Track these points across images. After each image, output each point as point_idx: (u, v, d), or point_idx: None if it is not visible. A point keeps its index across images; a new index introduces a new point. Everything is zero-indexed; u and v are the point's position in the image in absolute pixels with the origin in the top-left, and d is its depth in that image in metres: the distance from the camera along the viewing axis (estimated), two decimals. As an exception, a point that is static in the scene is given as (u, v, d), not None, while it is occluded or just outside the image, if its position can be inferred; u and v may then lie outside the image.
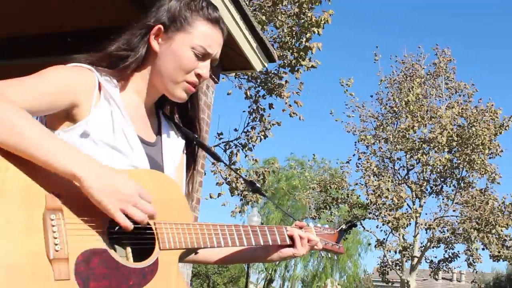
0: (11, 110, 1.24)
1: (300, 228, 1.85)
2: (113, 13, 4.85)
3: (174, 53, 1.61)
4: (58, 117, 1.49)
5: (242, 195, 13.07)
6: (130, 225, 1.31)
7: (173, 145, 1.76)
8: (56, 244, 1.22)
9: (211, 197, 12.64)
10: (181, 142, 1.80)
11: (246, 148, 12.54)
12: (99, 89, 1.53)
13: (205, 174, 6.43)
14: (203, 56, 1.63)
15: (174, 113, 1.84)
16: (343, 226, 2.05)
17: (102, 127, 1.50)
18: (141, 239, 1.40)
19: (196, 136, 1.81)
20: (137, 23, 1.65)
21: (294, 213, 36.03)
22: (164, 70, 1.62)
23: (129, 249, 1.38)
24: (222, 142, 12.55)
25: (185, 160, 1.84)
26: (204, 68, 1.65)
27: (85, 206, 1.29)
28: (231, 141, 12.56)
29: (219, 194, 12.58)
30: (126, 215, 1.31)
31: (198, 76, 1.64)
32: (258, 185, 1.95)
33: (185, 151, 1.83)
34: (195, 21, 1.63)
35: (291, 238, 1.81)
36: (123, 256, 1.37)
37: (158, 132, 1.74)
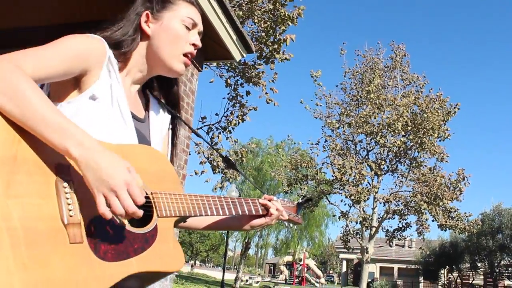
0: (22, 84, 1.17)
1: (269, 200, 1.84)
2: (105, 6, 4.66)
3: (166, 29, 1.59)
4: (66, 85, 1.41)
5: (223, 172, 13.09)
6: (106, 213, 1.19)
7: (160, 120, 1.72)
8: (70, 210, 1.18)
9: (195, 173, 12.66)
10: (167, 117, 1.77)
11: (227, 131, 12.53)
12: (107, 59, 1.47)
13: (189, 154, 6.30)
14: (192, 26, 1.63)
15: (159, 94, 1.80)
16: (300, 200, 2.07)
17: (104, 96, 1.44)
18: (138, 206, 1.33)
19: (178, 115, 1.78)
20: (124, 14, 1.61)
21: (273, 189, 36.31)
22: (161, 47, 1.59)
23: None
24: (205, 125, 12.52)
25: (170, 135, 1.81)
26: (196, 37, 1.64)
27: None
28: (213, 124, 12.53)
29: (202, 172, 12.59)
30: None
31: (193, 45, 1.62)
32: (232, 161, 1.92)
33: (170, 126, 1.80)
34: (176, 1, 1.63)
35: (265, 207, 1.81)
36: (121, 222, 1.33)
37: (146, 109, 1.69)
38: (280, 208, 1.84)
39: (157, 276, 1.41)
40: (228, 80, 12.54)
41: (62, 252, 1.14)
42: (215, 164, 12.40)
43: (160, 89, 1.78)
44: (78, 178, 1.21)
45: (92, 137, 1.23)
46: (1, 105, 1.14)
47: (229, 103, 12.71)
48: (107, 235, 1.25)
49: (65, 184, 1.19)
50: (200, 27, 1.67)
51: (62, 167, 1.21)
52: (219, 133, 12.49)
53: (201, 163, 12.59)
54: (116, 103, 1.46)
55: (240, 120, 12.42)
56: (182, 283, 27.23)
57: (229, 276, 44.62)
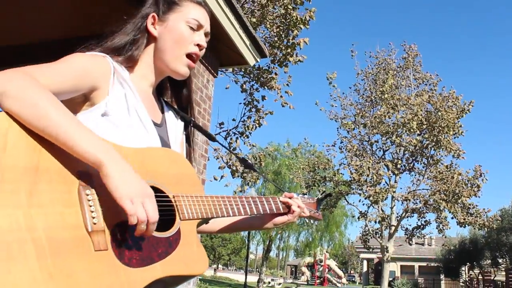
0: (42, 94, 1.16)
1: (290, 198, 1.83)
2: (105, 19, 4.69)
3: (171, 30, 1.58)
4: (76, 102, 1.41)
5: (242, 176, 13.05)
6: (133, 218, 1.18)
7: (175, 125, 1.71)
8: (93, 218, 1.16)
9: (215, 179, 12.64)
10: (180, 124, 1.75)
11: (244, 136, 12.49)
12: (114, 73, 1.46)
13: (208, 159, 6.29)
14: (197, 27, 1.61)
15: (172, 100, 1.79)
16: (320, 196, 2.05)
17: (119, 109, 1.43)
18: (161, 209, 1.31)
19: (192, 119, 1.77)
20: (131, 18, 1.61)
21: (292, 191, 36.17)
22: (165, 48, 1.58)
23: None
24: (223, 131, 12.50)
25: (184, 141, 1.79)
26: (201, 38, 1.61)
27: None
28: (230, 130, 12.51)
29: (222, 176, 12.55)
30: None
31: (198, 46, 1.60)
32: (249, 161, 1.94)
33: (184, 133, 1.78)
34: (182, 2, 1.61)
35: (286, 205, 1.79)
36: None
37: (163, 113, 1.68)
38: (301, 205, 1.82)
39: (182, 279, 1.39)
40: (244, 85, 12.51)
41: (87, 260, 1.12)
42: (234, 168, 12.39)
43: (171, 93, 1.77)
44: (100, 185, 1.20)
45: (112, 146, 1.23)
46: (22, 116, 1.12)
47: (245, 108, 12.67)
48: (131, 241, 1.24)
49: (88, 192, 1.18)
50: (207, 27, 1.65)
51: (83, 175, 1.20)
52: (237, 138, 12.45)
53: (220, 168, 12.56)
54: (133, 112, 1.46)
55: (257, 125, 12.38)
56: (206, 287, 27.24)
57: (252, 279, 44.56)
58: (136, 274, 1.21)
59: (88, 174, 1.20)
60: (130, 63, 1.55)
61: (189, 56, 1.58)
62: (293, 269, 78.98)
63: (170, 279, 1.32)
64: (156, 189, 1.34)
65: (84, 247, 1.13)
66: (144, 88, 1.60)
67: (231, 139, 12.43)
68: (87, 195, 1.17)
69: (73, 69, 1.34)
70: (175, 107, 1.76)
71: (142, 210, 1.18)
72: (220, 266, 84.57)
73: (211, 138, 2.00)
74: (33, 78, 1.19)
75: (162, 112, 1.68)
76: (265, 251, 40.80)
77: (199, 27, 1.61)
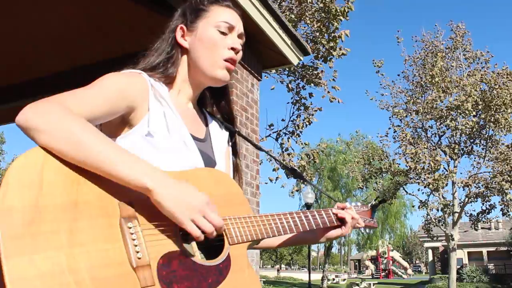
0: (75, 124, 1.11)
1: (342, 209, 1.72)
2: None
3: (201, 38, 1.50)
4: (115, 124, 1.36)
5: (297, 176, 12.91)
6: (201, 236, 1.17)
7: (220, 137, 1.64)
8: (137, 252, 1.10)
9: (270, 180, 12.58)
10: (225, 134, 1.68)
11: (295, 135, 12.37)
12: (151, 90, 1.40)
13: (261, 163, 6.24)
14: (228, 30, 1.52)
15: (213, 110, 1.72)
16: (373, 202, 1.95)
17: (159, 128, 1.37)
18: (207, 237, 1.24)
19: (237, 130, 1.71)
20: (160, 35, 1.56)
21: (348, 186, 35.88)
22: (199, 57, 1.50)
23: (194, 244, 1.24)
24: (273, 132, 12.41)
25: (230, 151, 1.71)
26: (234, 41, 1.52)
27: (157, 211, 1.16)
28: (281, 130, 12.41)
29: (276, 178, 12.46)
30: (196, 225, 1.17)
31: (232, 49, 1.51)
32: (298, 171, 1.86)
33: (230, 143, 1.71)
34: (209, 7, 1.54)
35: (339, 218, 1.69)
36: (190, 251, 1.23)
37: (206, 127, 1.61)
38: (356, 216, 1.72)
39: None
40: (289, 84, 12.40)
41: (134, 299, 1.06)
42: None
43: (213, 104, 1.71)
44: (144, 215, 1.14)
45: (158, 168, 1.17)
46: (58, 150, 1.07)
47: (293, 107, 12.55)
48: (179, 273, 1.17)
49: (130, 224, 1.12)
50: (239, 28, 1.55)
51: (125, 205, 1.13)
52: (288, 138, 12.34)
53: (274, 170, 12.50)
54: (173, 130, 1.39)
55: (307, 123, 12.24)
56: (270, 288, 27.25)
57: (315, 277, 44.29)
58: (187, 308, 1.14)
59: (130, 203, 1.14)
60: (168, 80, 1.50)
61: (225, 60, 1.50)
62: (357, 263, 78.14)
63: None
64: None
65: (130, 284, 1.07)
66: (184, 103, 1.54)
67: (282, 139, 12.34)
68: (129, 228, 1.11)
69: (107, 91, 1.28)
70: (219, 117, 1.70)
71: (206, 224, 1.16)
72: (283, 266, 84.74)
73: (256, 147, 1.95)
74: (65, 107, 1.14)
75: (206, 124, 1.61)
76: (326, 247, 40.52)
77: (230, 29, 1.52)
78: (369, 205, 1.91)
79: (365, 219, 1.84)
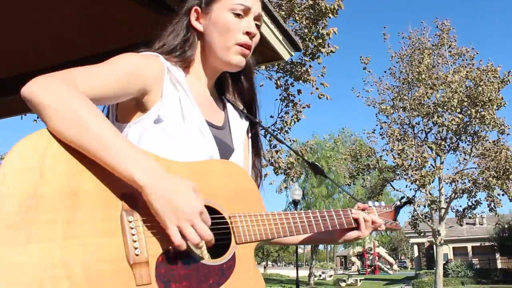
0: (79, 104, 1.05)
1: (363, 210, 1.66)
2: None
3: (216, 21, 1.43)
4: (128, 107, 1.31)
5: (285, 173, 12.90)
6: (182, 244, 1.06)
7: (240, 126, 1.56)
8: (135, 248, 1.04)
9: (259, 177, 12.52)
10: (245, 124, 1.60)
11: (283, 131, 12.32)
12: (167, 74, 1.35)
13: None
14: (244, 13, 1.44)
15: (235, 97, 1.64)
16: (398, 203, 1.85)
17: (172, 114, 1.30)
18: (216, 233, 1.17)
19: (259, 120, 1.64)
20: (173, 19, 1.49)
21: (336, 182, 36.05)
22: (214, 41, 1.43)
23: (203, 243, 1.16)
24: (261, 129, 12.34)
25: (251, 144, 1.63)
26: (249, 24, 1.45)
27: None
28: (269, 127, 12.34)
29: (265, 175, 12.42)
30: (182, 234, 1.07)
31: (247, 33, 1.44)
32: (319, 166, 1.76)
33: (249, 134, 1.63)
34: None
35: (356, 221, 1.62)
36: (198, 249, 1.17)
37: (225, 114, 1.54)
38: (377, 220, 1.64)
39: None
40: (278, 81, 12.37)
41: (129, 296, 1.01)
42: (276, 166, 12.25)
43: (234, 90, 1.63)
44: (146, 208, 1.07)
45: (157, 162, 1.09)
46: (59, 131, 1.02)
47: (282, 104, 12.52)
48: (178, 271, 1.10)
49: (130, 218, 1.06)
50: (256, 9, 1.47)
51: (128, 198, 1.07)
52: (276, 134, 12.30)
53: (262, 166, 12.45)
54: (188, 117, 1.32)
55: (295, 119, 12.20)
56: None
57: (302, 273, 44.40)
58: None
59: (133, 196, 1.07)
60: (185, 64, 1.44)
61: (240, 45, 1.43)
62: (343, 260, 78.51)
63: None
64: (210, 209, 1.19)
65: (125, 281, 1.01)
66: (201, 89, 1.48)
67: (270, 136, 12.30)
68: (130, 222, 1.05)
69: (120, 70, 1.22)
70: (240, 105, 1.62)
71: (191, 233, 1.05)
72: (269, 263, 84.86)
73: (278, 140, 1.89)
74: (70, 84, 1.08)
75: (225, 112, 1.55)
76: (313, 245, 40.60)
77: (246, 11, 1.45)
78: (393, 206, 1.82)
79: (386, 221, 1.75)
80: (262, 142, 1.74)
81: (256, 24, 1.47)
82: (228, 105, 1.58)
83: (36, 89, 1.04)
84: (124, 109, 1.31)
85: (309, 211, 1.51)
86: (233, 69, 1.49)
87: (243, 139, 1.55)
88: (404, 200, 1.86)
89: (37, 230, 0.94)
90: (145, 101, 1.30)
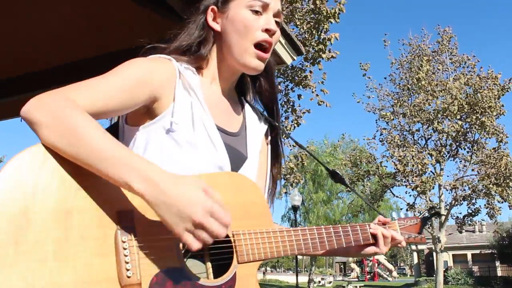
0: (77, 119, 1.00)
1: (384, 224, 1.58)
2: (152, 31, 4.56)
3: (233, 19, 1.37)
4: (138, 111, 1.24)
5: (285, 178, 12.85)
6: (197, 246, 0.98)
7: (257, 130, 1.49)
8: (127, 270, 0.98)
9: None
10: (263, 127, 1.53)
11: (283, 136, 12.24)
12: (179, 78, 1.28)
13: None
14: (262, 9, 1.37)
15: (254, 99, 1.57)
16: (426, 214, 1.76)
17: (183, 121, 1.24)
18: (221, 252, 1.13)
19: (279, 124, 1.55)
20: (189, 18, 1.43)
21: (334, 189, 35.82)
22: (231, 41, 1.37)
23: (209, 264, 1.13)
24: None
25: (270, 148, 1.56)
26: (269, 21, 1.37)
27: (158, 222, 1.02)
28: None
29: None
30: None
31: (267, 31, 1.36)
32: (340, 174, 1.67)
33: (269, 137, 1.56)
34: None
35: (374, 236, 1.53)
36: (203, 272, 1.11)
37: (242, 118, 1.48)
38: (397, 237, 1.56)
39: None
40: (279, 86, 12.35)
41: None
42: (275, 171, 12.21)
43: (253, 92, 1.56)
44: (142, 226, 1.02)
45: (159, 167, 1.01)
46: (54, 144, 0.97)
47: (282, 109, 12.49)
48: None
49: (124, 238, 1.00)
50: (275, 5, 1.40)
51: (124, 214, 1.02)
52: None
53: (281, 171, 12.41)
54: (199, 124, 1.26)
55: (295, 125, 12.16)
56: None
57: (301, 279, 44.24)
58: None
59: (129, 214, 1.02)
60: (199, 62, 1.38)
61: (258, 45, 1.36)
62: (342, 266, 78.28)
63: None
64: None
65: None
66: (217, 92, 1.41)
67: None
68: (124, 242, 0.99)
69: (125, 81, 1.16)
70: (260, 107, 1.56)
71: (202, 237, 0.98)
72: (268, 268, 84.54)
73: (298, 145, 1.80)
74: (69, 100, 1.03)
75: (244, 116, 1.48)
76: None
77: (265, 7, 1.37)
78: (419, 217, 1.72)
79: (409, 235, 1.67)
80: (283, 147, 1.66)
81: (276, 21, 1.41)
82: (247, 108, 1.51)
83: (32, 108, 1.01)
84: (134, 112, 1.25)
85: (322, 226, 1.43)
86: (251, 73, 1.43)
87: (259, 144, 1.48)
88: (432, 212, 1.76)
89: (26, 251, 0.89)
90: (155, 107, 1.24)
